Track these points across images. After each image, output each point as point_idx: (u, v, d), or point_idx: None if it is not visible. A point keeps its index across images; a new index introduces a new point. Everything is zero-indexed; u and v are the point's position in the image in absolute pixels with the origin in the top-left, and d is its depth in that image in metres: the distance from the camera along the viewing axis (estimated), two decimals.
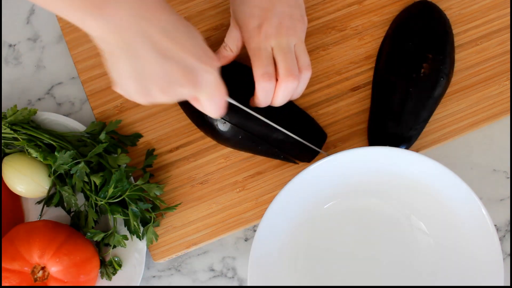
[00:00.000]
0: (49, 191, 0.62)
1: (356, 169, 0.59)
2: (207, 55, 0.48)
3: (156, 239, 0.62)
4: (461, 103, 0.65)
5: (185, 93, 0.48)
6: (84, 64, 0.66)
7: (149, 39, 0.44)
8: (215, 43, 0.66)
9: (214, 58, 0.49)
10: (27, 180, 0.61)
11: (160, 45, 0.44)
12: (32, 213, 0.65)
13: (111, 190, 0.59)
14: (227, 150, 0.65)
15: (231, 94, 0.58)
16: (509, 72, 0.65)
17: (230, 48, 0.59)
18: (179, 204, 0.64)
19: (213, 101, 0.50)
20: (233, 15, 0.57)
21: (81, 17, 0.43)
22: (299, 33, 0.56)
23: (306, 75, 0.56)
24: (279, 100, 0.56)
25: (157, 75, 0.45)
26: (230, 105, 0.57)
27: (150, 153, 0.64)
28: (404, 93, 0.61)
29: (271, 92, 0.55)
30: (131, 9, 0.43)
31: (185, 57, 0.46)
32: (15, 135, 0.61)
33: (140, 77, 0.46)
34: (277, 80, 0.55)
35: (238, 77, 0.60)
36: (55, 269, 0.57)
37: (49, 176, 0.62)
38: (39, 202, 0.64)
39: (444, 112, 0.65)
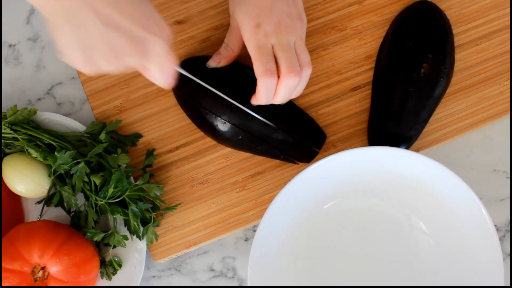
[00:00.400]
0: (49, 191, 0.62)
1: (356, 169, 0.59)
2: (157, 24, 0.47)
3: (156, 239, 0.62)
4: (461, 103, 0.65)
5: (132, 63, 0.47)
6: None
7: (91, 7, 0.43)
8: (215, 43, 0.66)
9: (165, 27, 0.48)
10: (27, 180, 0.61)
11: (104, 14, 0.44)
12: (32, 213, 0.65)
13: (111, 190, 0.59)
14: (227, 150, 0.65)
15: (231, 94, 0.58)
16: (509, 72, 0.65)
17: (231, 48, 0.59)
18: (179, 204, 0.64)
19: (161, 71, 0.49)
20: (233, 15, 0.58)
21: None
22: (298, 31, 0.56)
23: (307, 72, 0.56)
24: (280, 97, 0.56)
25: (102, 45, 0.45)
26: (230, 106, 0.58)
27: (150, 153, 0.64)
28: (404, 93, 0.61)
29: (272, 89, 0.55)
30: None
31: (131, 26, 0.45)
32: (15, 135, 0.61)
33: (84, 47, 0.45)
34: (278, 77, 0.55)
35: (238, 77, 0.60)
36: (55, 269, 0.57)
37: (49, 176, 0.62)
38: (39, 202, 0.64)
39: (444, 112, 0.65)
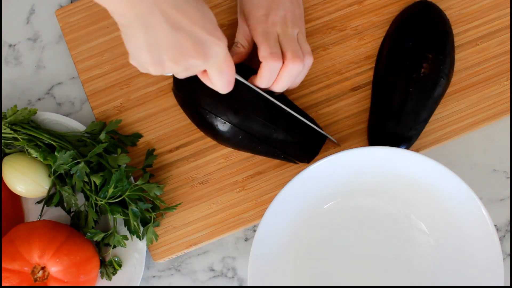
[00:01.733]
0: (49, 191, 0.62)
1: (356, 169, 0.59)
2: (216, 29, 0.50)
3: (156, 239, 0.62)
4: (461, 103, 0.65)
5: (195, 65, 0.50)
6: (84, 64, 0.66)
7: (161, 11, 0.46)
8: None
9: (223, 35, 0.51)
10: (27, 180, 0.61)
11: (171, 17, 0.47)
12: (32, 213, 0.65)
13: (111, 190, 0.59)
14: (227, 150, 0.65)
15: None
16: (509, 72, 0.65)
17: (242, 45, 0.61)
18: (179, 204, 0.64)
19: (222, 75, 0.52)
20: (241, 8, 0.60)
21: None
22: (301, 27, 0.60)
23: (309, 61, 0.58)
24: (282, 83, 0.58)
25: (169, 46, 0.48)
26: (230, 106, 0.58)
27: (150, 153, 0.64)
28: (404, 93, 0.61)
29: (275, 72, 0.57)
30: None
31: (194, 29, 0.48)
32: (15, 135, 0.61)
33: (153, 48, 0.48)
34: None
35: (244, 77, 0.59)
36: (55, 269, 0.57)
37: (49, 176, 0.62)
38: (39, 202, 0.64)
39: (444, 112, 0.65)
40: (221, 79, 0.53)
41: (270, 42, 0.57)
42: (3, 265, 0.57)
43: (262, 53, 0.56)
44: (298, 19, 0.60)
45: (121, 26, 0.49)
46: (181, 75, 0.53)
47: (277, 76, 0.57)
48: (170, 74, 0.52)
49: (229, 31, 0.66)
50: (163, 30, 0.47)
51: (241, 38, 0.61)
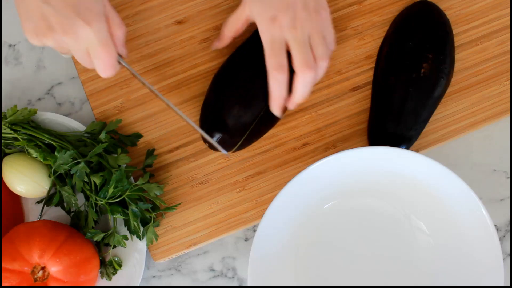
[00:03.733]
0: (49, 191, 0.62)
1: (356, 169, 0.59)
2: (92, 12, 0.50)
3: (156, 239, 0.62)
4: (461, 103, 0.65)
5: (67, 42, 0.51)
6: None
7: None
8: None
9: (115, 21, 0.52)
10: (27, 180, 0.61)
11: None
12: (32, 213, 0.65)
13: (111, 190, 0.59)
14: None
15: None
16: (509, 72, 0.65)
17: (228, 30, 0.60)
18: (179, 204, 0.64)
19: (97, 59, 0.52)
20: (248, 5, 0.57)
21: None
22: (315, 24, 0.56)
23: (323, 64, 0.56)
24: (299, 94, 0.56)
25: (38, 17, 0.50)
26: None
27: (150, 153, 0.64)
28: (404, 93, 0.61)
29: (284, 83, 0.55)
30: None
31: (63, 8, 0.49)
32: (15, 135, 0.60)
33: (27, 17, 0.51)
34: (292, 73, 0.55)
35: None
36: (55, 269, 0.57)
37: (49, 176, 0.62)
38: (39, 202, 0.64)
39: (444, 112, 0.65)
40: (97, 62, 0.52)
41: (276, 52, 0.55)
42: (3, 265, 0.57)
43: (268, 66, 0.55)
44: (313, 15, 0.56)
45: None
46: (75, 55, 0.53)
47: (292, 87, 0.56)
48: (55, 48, 0.53)
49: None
50: (34, 2, 0.50)
51: (230, 24, 0.59)
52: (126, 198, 0.60)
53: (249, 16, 0.57)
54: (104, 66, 0.53)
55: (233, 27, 0.60)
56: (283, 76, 0.55)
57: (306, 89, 0.56)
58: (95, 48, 0.51)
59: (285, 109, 0.58)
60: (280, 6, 0.55)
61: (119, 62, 0.54)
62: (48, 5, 0.49)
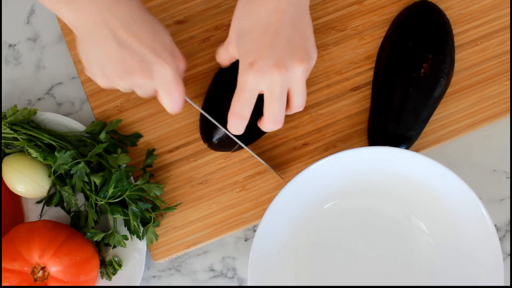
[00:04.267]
0: (49, 191, 0.62)
1: (356, 169, 0.59)
2: (168, 52, 0.51)
3: (156, 239, 0.62)
4: (461, 103, 0.65)
5: (142, 83, 0.52)
6: None
7: (108, 28, 0.49)
8: (215, 43, 0.66)
9: (179, 57, 0.53)
10: (27, 180, 0.61)
11: (119, 36, 0.50)
12: (32, 213, 0.65)
13: (111, 190, 0.59)
14: None
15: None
16: (509, 72, 0.65)
17: (220, 60, 0.59)
18: (179, 204, 0.64)
19: (169, 97, 0.53)
20: (233, 42, 0.54)
21: (56, 6, 0.50)
22: (298, 73, 0.51)
23: (296, 111, 0.56)
24: (266, 130, 0.56)
25: (115, 61, 0.50)
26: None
27: (150, 153, 0.64)
28: (404, 93, 0.61)
29: (241, 127, 0.54)
30: (98, 0, 0.49)
31: (141, 49, 0.50)
32: (15, 135, 0.61)
33: (100, 62, 0.51)
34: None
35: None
36: (55, 269, 0.57)
37: (49, 176, 0.62)
38: (39, 202, 0.64)
39: (444, 112, 0.65)
40: (168, 100, 0.54)
41: (240, 100, 0.52)
42: (3, 265, 0.57)
43: (230, 108, 0.53)
44: (296, 62, 0.51)
45: (76, 38, 0.52)
46: (138, 92, 0.54)
47: (260, 122, 0.56)
48: (122, 89, 0.54)
49: (227, 35, 0.66)
50: (110, 47, 0.50)
51: (221, 56, 0.58)
52: (126, 198, 0.60)
53: (233, 55, 0.56)
54: (175, 103, 0.54)
55: (223, 59, 0.58)
56: (240, 122, 0.53)
57: (269, 130, 0.56)
58: (168, 87, 0.52)
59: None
60: (261, 52, 0.50)
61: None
62: (127, 49, 0.50)
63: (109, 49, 0.50)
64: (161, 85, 0.52)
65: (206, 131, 0.60)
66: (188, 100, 0.57)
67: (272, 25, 0.51)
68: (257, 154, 0.65)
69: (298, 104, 0.55)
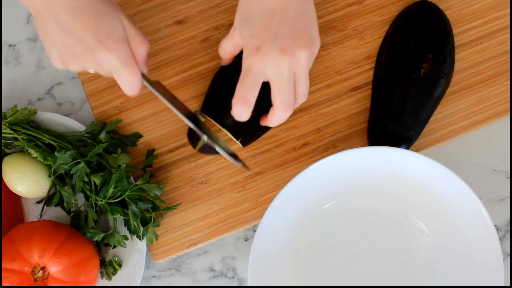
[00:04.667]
0: (49, 191, 0.62)
1: (356, 169, 0.59)
2: (112, 39, 0.51)
3: (156, 239, 0.62)
4: (461, 103, 0.65)
5: (91, 67, 0.52)
6: None
7: (53, 13, 0.50)
8: (215, 43, 0.66)
9: (137, 42, 0.53)
10: (27, 180, 0.61)
11: (63, 21, 0.50)
12: (32, 213, 0.65)
13: (111, 190, 0.59)
14: None
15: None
16: (509, 72, 0.65)
17: (223, 54, 0.59)
18: (179, 204, 0.64)
19: (121, 81, 0.53)
20: (238, 29, 0.55)
21: None
22: (302, 59, 0.52)
23: (302, 101, 0.55)
24: (273, 124, 0.56)
25: (62, 46, 0.51)
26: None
27: (150, 153, 0.64)
28: (404, 93, 0.61)
29: (245, 113, 0.53)
30: None
31: (86, 36, 0.50)
32: (15, 135, 0.61)
33: (50, 45, 0.52)
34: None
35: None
36: (55, 269, 0.57)
37: (49, 176, 0.62)
38: (39, 202, 0.64)
39: (444, 112, 0.65)
40: (122, 84, 0.54)
41: (246, 83, 0.52)
42: (3, 265, 0.57)
43: (235, 93, 0.53)
44: (301, 49, 0.52)
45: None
46: (82, 70, 0.54)
47: (267, 117, 0.56)
48: (79, 70, 0.54)
49: (229, 31, 0.66)
50: (55, 31, 0.51)
51: (224, 48, 0.58)
52: (126, 198, 0.60)
53: (239, 42, 0.55)
54: (129, 87, 0.54)
55: (226, 51, 0.58)
56: (245, 108, 0.53)
57: (281, 121, 0.55)
58: (118, 72, 0.52)
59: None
60: (267, 36, 0.51)
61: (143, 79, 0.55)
62: (70, 35, 0.50)
63: (54, 34, 0.51)
64: (112, 71, 0.53)
65: (191, 136, 0.60)
66: (145, 83, 0.55)
67: (278, 11, 0.52)
68: (257, 154, 0.65)
69: (302, 92, 0.54)
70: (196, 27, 0.67)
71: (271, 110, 0.55)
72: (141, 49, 0.54)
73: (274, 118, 0.55)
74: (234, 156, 0.57)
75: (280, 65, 0.51)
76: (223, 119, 0.58)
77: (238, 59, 0.61)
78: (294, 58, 0.51)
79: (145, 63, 0.55)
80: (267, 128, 0.61)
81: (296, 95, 0.54)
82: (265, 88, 0.54)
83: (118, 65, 0.52)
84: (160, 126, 0.66)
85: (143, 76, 0.55)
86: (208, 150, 0.58)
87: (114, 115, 0.66)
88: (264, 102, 0.55)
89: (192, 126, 0.56)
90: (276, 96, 0.53)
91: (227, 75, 0.60)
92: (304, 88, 0.54)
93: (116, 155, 0.62)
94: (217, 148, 0.56)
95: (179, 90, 0.66)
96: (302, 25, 0.52)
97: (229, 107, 0.55)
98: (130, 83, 0.53)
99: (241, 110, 0.53)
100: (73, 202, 0.62)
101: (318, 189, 0.60)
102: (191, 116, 0.58)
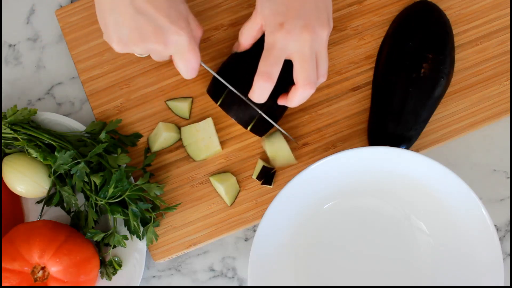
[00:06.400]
0: (49, 191, 0.62)
1: (356, 169, 0.59)
2: (183, 20, 0.52)
3: (156, 239, 0.62)
4: (461, 103, 0.65)
5: (157, 49, 0.53)
6: (84, 64, 0.66)
7: None
8: (215, 43, 0.66)
9: (195, 25, 0.54)
10: (27, 180, 0.61)
11: (135, 1, 0.51)
12: (32, 213, 0.65)
13: (111, 190, 0.59)
14: (227, 150, 0.65)
15: (235, 82, 0.57)
16: (509, 72, 0.65)
17: (243, 38, 0.58)
18: (179, 204, 0.64)
19: (184, 63, 0.55)
20: (260, 10, 0.55)
21: None
22: (323, 37, 0.54)
23: (322, 81, 0.56)
24: (294, 103, 0.56)
25: (131, 27, 0.52)
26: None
27: (147, 150, 0.64)
28: (404, 93, 0.61)
29: (267, 91, 0.55)
30: None
31: (157, 16, 0.51)
32: (15, 135, 0.61)
33: (117, 27, 0.52)
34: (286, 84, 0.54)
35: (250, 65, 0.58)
36: (55, 269, 0.57)
37: (49, 176, 0.62)
38: (39, 202, 0.64)
39: (444, 112, 0.65)
40: (183, 66, 0.55)
41: (270, 59, 0.53)
42: (3, 265, 0.57)
43: (258, 69, 0.54)
44: (323, 26, 0.54)
45: (96, 4, 0.53)
46: (154, 57, 0.56)
47: (288, 96, 0.56)
48: (138, 54, 0.55)
49: (229, 31, 0.66)
50: (127, 12, 0.51)
51: (245, 34, 0.58)
52: (126, 198, 0.60)
53: (262, 23, 0.56)
54: (191, 69, 0.55)
55: (249, 35, 0.58)
56: (267, 85, 0.54)
57: (302, 101, 0.56)
58: (183, 53, 0.53)
59: None
60: (291, 13, 0.53)
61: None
62: (143, 16, 0.51)
63: (126, 15, 0.51)
64: (176, 52, 0.54)
65: (217, 89, 0.59)
66: (203, 65, 0.58)
67: None
68: (257, 154, 0.65)
69: (323, 71, 0.56)
70: None
71: (293, 88, 0.55)
72: (198, 31, 0.55)
73: (297, 96, 0.55)
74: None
75: (304, 42, 0.53)
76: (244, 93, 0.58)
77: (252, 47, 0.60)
78: (316, 36, 0.53)
79: (199, 46, 0.56)
80: (281, 114, 0.61)
81: (317, 74, 0.55)
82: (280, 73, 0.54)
83: (186, 45, 0.53)
84: None
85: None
86: (233, 102, 0.58)
87: (114, 115, 0.66)
88: (276, 90, 0.56)
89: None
90: (300, 72, 0.54)
91: (243, 61, 0.59)
92: (325, 67, 0.56)
93: (116, 155, 0.62)
94: (245, 99, 0.57)
95: (179, 90, 0.66)
96: (322, 5, 0.55)
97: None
98: (192, 65, 0.55)
99: (263, 87, 0.54)
100: (73, 202, 0.62)
101: (318, 189, 0.60)
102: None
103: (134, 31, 0.52)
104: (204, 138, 0.64)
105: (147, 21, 0.51)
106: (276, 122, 0.60)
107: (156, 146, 0.64)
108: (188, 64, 0.55)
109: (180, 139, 0.65)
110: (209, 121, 0.64)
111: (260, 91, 0.55)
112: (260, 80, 0.54)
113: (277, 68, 0.54)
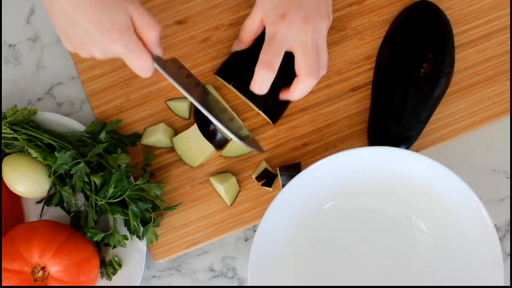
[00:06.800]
0: (49, 191, 0.62)
1: (356, 169, 0.59)
2: (115, 29, 0.51)
3: (156, 239, 0.62)
4: (461, 103, 0.65)
5: (100, 57, 0.53)
6: (84, 64, 0.66)
7: (57, 3, 0.51)
8: (215, 43, 0.66)
9: (147, 28, 0.52)
10: (27, 180, 0.61)
11: (67, 12, 0.51)
12: (32, 213, 0.65)
13: (111, 190, 0.59)
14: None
15: (237, 79, 0.58)
16: (509, 72, 0.65)
17: (245, 35, 0.59)
18: (179, 204, 0.64)
19: (132, 66, 0.54)
20: (260, 3, 0.56)
21: None
22: (324, 29, 0.55)
23: (322, 73, 0.56)
24: (296, 95, 0.56)
25: (70, 35, 0.52)
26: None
27: (147, 150, 0.64)
28: (404, 93, 0.61)
29: (267, 81, 0.55)
30: None
31: (90, 27, 0.51)
32: (15, 135, 0.60)
33: (62, 34, 0.53)
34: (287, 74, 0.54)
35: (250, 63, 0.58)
36: (55, 269, 0.57)
37: (49, 176, 0.61)
38: (39, 202, 0.64)
39: (444, 112, 0.65)
40: (132, 68, 0.54)
41: (271, 48, 0.54)
42: (3, 265, 0.57)
43: (259, 59, 0.54)
44: (323, 19, 0.55)
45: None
46: (90, 56, 0.55)
47: (290, 88, 0.56)
48: (88, 57, 0.55)
49: (229, 31, 0.66)
50: (62, 21, 0.52)
51: (246, 29, 0.58)
52: (126, 198, 0.60)
53: (262, 16, 0.56)
54: (140, 71, 0.54)
55: (250, 31, 0.58)
56: (268, 75, 0.54)
57: (305, 93, 0.56)
58: (126, 58, 0.53)
59: None
60: (291, 5, 0.53)
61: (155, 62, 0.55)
62: (77, 25, 0.51)
63: (61, 23, 0.52)
64: (122, 57, 0.53)
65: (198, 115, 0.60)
66: (156, 66, 0.55)
67: None
68: (257, 154, 0.65)
69: (324, 63, 0.56)
70: (196, 27, 0.67)
71: (295, 80, 0.55)
72: (151, 34, 0.53)
73: (298, 88, 0.55)
74: (244, 138, 0.57)
75: (305, 33, 0.53)
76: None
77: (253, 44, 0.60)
78: (316, 27, 0.54)
79: (158, 46, 0.54)
80: (282, 112, 0.61)
81: (318, 66, 0.55)
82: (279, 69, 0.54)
83: (125, 53, 0.52)
84: None
85: (157, 58, 0.55)
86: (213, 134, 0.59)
87: (114, 115, 0.66)
88: (276, 84, 0.56)
89: (203, 110, 0.56)
90: (301, 63, 0.54)
91: (244, 58, 0.59)
92: (325, 59, 0.56)
93: (116, 155, 0.62)
94: (227, 132, 0.57)
95: (179, 90, 0.66)
96: None
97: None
98: (140, 68, 0.54)
99: (264, 78, 0.54)
100: (73, 202, 0.62)
101: (318, 189, 0.60)
102: (202, 93, 0.58)
103: (74, 38, 0.52)
104: (197, 143, 0.64)
105: (81, 31, 0.51)
106: (276, 121, 0.61)
107: (147, 140, 0.64)
108: (135, 67, 0.54)
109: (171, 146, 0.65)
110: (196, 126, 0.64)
111: (261, 81, 0.55)
112: (262, 70, 0.54)
113: (278, 59, 0.54)
